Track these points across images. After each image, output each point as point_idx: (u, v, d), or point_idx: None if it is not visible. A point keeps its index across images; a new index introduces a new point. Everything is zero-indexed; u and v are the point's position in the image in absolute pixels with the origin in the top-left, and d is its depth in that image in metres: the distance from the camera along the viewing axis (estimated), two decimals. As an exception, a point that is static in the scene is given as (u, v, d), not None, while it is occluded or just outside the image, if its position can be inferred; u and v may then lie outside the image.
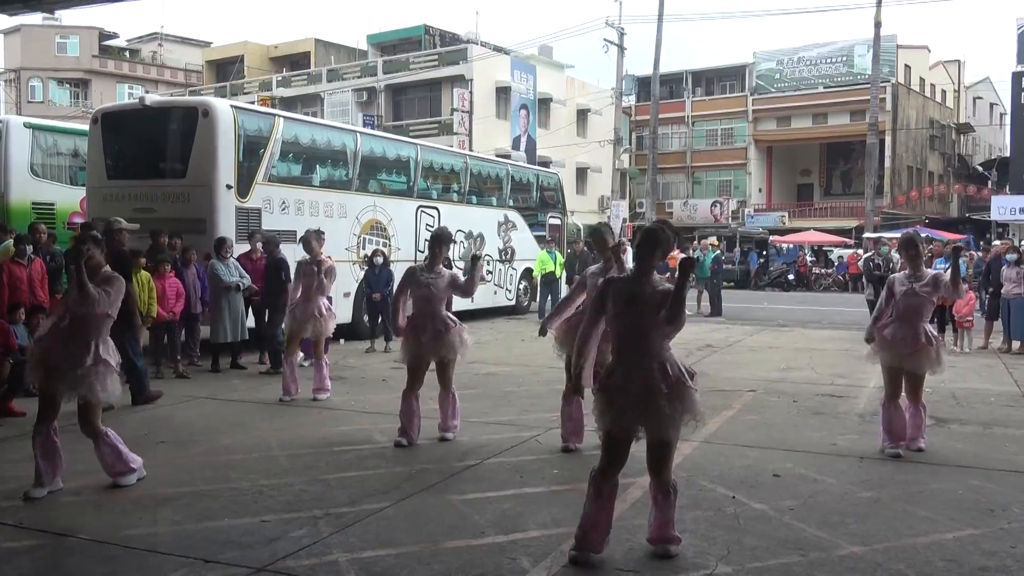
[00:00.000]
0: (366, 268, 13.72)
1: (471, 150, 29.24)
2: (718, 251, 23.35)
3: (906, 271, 6.90)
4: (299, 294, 9.11)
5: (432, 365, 7.21)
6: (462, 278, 7.22)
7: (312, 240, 9.17)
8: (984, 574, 4.28)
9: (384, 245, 14.52)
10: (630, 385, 4.35)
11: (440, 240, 7.17)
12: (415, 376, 7.11)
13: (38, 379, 5.74)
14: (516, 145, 38.83)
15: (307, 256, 9.18)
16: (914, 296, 6.68)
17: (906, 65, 46.02)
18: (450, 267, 7.47)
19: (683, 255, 21.18)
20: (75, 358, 5.50)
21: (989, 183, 45.96)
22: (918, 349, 6.63)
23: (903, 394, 6.77)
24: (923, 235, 24.66)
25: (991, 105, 57.95)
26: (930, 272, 6.89)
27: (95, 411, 5.66)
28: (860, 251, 33.45)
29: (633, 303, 4.42)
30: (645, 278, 4.49)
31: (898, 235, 30.43)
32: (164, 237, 10.75)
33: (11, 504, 5.27)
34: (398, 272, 14.71)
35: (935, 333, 6.88)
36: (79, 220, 13.21)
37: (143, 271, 9.93)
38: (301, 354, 9.66)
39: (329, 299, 9.50)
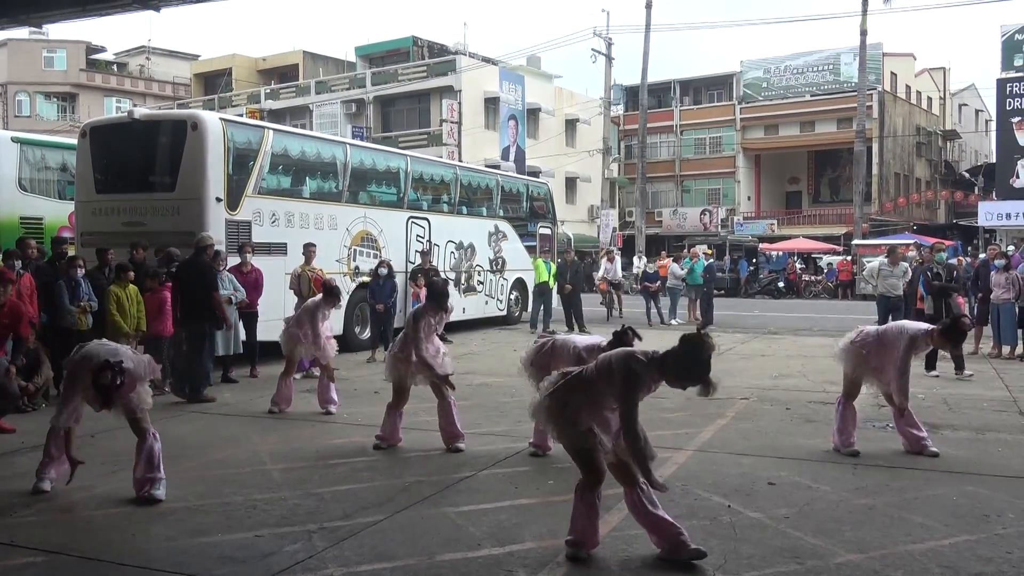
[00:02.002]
0: (371, 279, 13.70)
1: (460, 161, 29.28)
2: (711, 259, 23.32)
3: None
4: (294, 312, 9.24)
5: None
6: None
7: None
8: (981, 580, 4.28)
9: (375, 256, 14.49)
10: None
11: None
12: (400, 394, 7.36)
13: None
14: (505, 155, 38.91)
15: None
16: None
17: (892, 73, 46.33)
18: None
19: (672, 261, 21.26)
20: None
21: (976, 189, 46.28)
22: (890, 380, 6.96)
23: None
24: (911, 242, 24.70)
25: (976, 112, 58.39)
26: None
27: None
28: (849, 258, 33.62)
29: None
30: None
31: (896, 241, 30.38)
32: (142, 251, 10.73)
33: (3, 522, 5.22)
34: (401, 283, 14.85)
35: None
36: (68, 235, 13.15)
37: (131, 285, 9.90)
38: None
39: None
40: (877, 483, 6.05)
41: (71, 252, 11.12)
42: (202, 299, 9.74)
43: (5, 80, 50.92)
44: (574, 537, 4.55)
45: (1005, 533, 4.96)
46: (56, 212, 14.18)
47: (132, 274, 9.98)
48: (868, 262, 14.12)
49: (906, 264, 14.38)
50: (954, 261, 21.00)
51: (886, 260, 13.89)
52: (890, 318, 12.08)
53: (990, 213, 38.91)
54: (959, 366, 11.19)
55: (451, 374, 7.36)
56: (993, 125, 45.67)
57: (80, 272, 9.81)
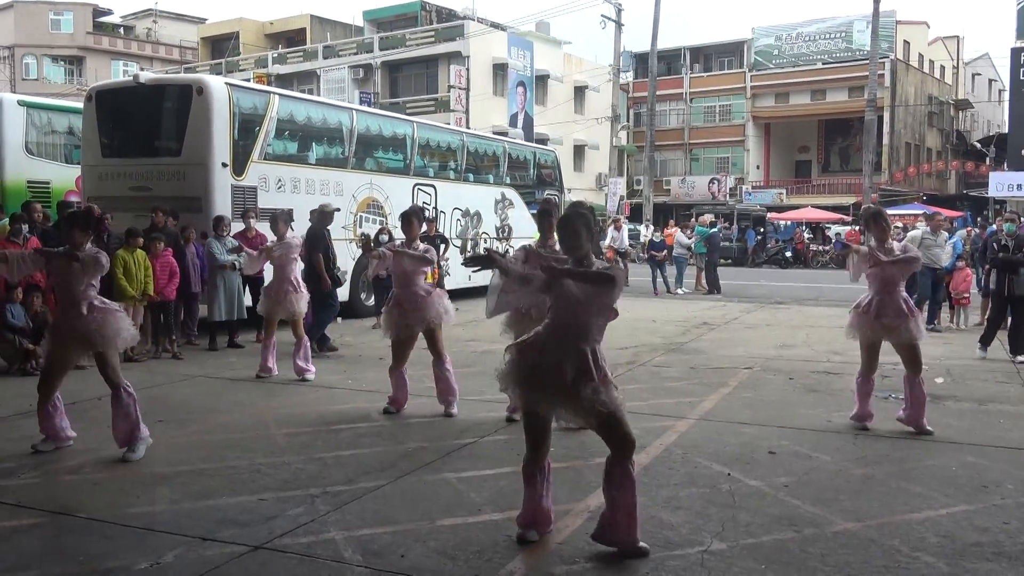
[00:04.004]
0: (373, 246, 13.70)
1: (468, 127, 29.12)
2: (715, 227, 23.11)
3: (873, 244, 6.97)
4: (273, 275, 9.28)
5: (421, 340, 7.40)
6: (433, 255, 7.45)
7: (279, 221, 9.24)
8: (977, 550, 4.30)
9: (380, 223, 14.49)
10: (561, 370, 4.15)
11: (410, 216, 7.40)
12: (401, 351, 7.34)
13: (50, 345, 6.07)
14: (513, 122, 38.70)
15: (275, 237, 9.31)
16: (890, 267, 6.74)
17: (905, 41, 45.84)
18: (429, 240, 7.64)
19: (679, 230, 21.21)
20: (76, 318, 5.81)
21: (987, 159, 45.89)
22: (904, 320, 6.69)
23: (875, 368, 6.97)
24: (920, 212, 24.49)
25: (990, 81, 57.77)
26: (897, 244, 6.98)
27: (110, 360, 5.87)
28: (857, 228, 33.46)
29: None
30: (585, 262, 4.29)
31: (905, 212, 29.96)
32: (162, 215, 10.74)
33: (9, 483, 5.28)
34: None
35: (911, 302, 6.93)
36: (75, 199, 13.18)
37: (139, 250, 9.94)
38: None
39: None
40: (877, 453, 6.07)
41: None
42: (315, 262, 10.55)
43: (12, 43, 50.72)
44: (522, 517, 4.44)
45: (1003, 503, 4.99)
46: (63, 176, 14.19)
47: (141, 240, 10.01)
48: (902, 232, 13.27)
49: (947, 233, 14.05)
50: (963, 232, 20.93)
51: (927, 229, 13.24)
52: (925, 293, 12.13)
53: (1001, 184, 38.58)
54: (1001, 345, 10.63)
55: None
56: (1006, 95, 45.13)
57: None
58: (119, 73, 47.58)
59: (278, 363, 9.16)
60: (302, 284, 9.30)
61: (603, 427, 4.24)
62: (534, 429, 4.39)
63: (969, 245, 17.83)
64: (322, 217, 10.94)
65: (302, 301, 9.16)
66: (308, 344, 9.22)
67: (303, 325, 9.27)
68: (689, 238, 20.50)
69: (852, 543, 4.37)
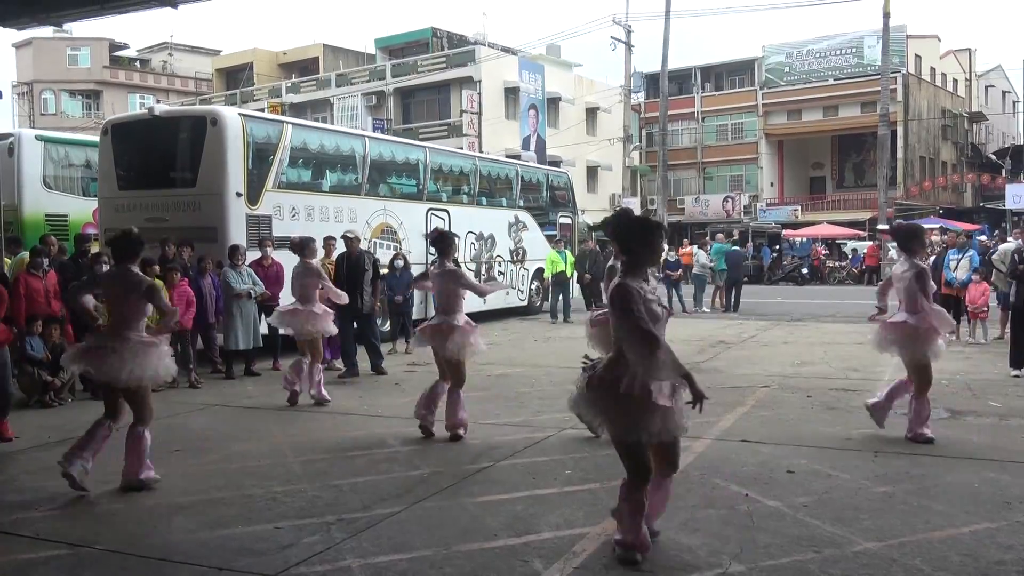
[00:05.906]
0: (387, 272, 13.76)
1: (480, 151, 29.25)
2: (736, 244, 22.97)
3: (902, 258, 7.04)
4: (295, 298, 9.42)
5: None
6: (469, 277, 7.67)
7: (305, 247, 9.43)
8: (1001, 568, 4.24)
9: (395, 248, 14.54)
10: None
11: (442, 239, 7.72)
12: (439, 367, 7.48)
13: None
14: (526, 145, 38.81)
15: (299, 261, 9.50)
16: (902, 281, 6.84)
17: (916, 55, 45.74)
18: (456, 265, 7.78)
19: (697, 248, 21.16)
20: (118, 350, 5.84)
21: (1003, 171, 45.59)
22: (907, 335, 6.81)
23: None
24: (936, 226, 24.26)
25: (1003, 93, 57.51)
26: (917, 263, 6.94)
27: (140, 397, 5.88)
28: (876, 243, 33.27)
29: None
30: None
31: (933, 225, 29.73)
32: (170, 246, 10.84)
33: (27, 515, 5.30)
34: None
35: (934, 319, 6.86)
36: (92, 231, 13.31)
37: (156, 279, 9.99)
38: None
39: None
40: (897, 470, 6.00)
41: (94, 249, 11.26)
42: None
43: (31, 79, 51.50)
44: (624, 538, 4.35)
45: (1026, 520, 4.92)
46: (81, 209, 14.37)
47: (157, 267, 10.08)
48: (1000, 245, 12.57)
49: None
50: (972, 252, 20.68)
51: (1020, 242, 12.73)
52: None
53: (1018, 196, 38.29)
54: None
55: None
56: (1020, 106, 44.97)
57: (104, 268, 9.87)
58: (136, 106, 48.14)
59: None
60: (321, 306, 9.38)
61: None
62: (645, 453, 4.45)
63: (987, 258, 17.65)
64: (356, 242, 11.45)
65: (323, 321, 9.23)
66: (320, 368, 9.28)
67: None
68: (709, 259, 20.48)
69: (873, 563, 4.31)
